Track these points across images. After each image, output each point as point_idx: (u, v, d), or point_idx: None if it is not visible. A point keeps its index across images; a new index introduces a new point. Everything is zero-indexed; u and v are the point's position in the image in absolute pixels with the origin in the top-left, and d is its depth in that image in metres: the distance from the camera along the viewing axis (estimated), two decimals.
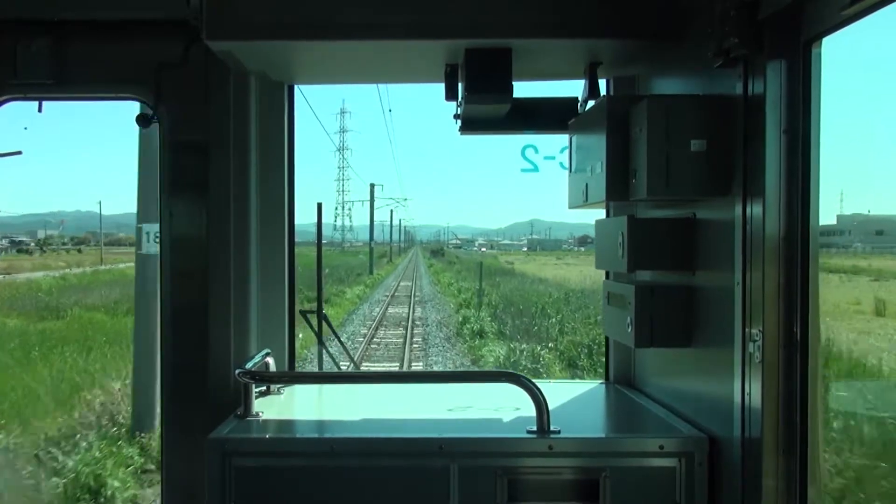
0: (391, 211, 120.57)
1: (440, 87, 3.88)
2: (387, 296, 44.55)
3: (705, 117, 3.01)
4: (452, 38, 3.52)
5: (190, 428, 3.70)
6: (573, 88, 4.05)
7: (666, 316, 3.32)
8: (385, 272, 75.85)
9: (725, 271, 2.92)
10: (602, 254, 3.76)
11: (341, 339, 5.52)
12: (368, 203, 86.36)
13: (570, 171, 3.96)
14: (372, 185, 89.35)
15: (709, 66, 2.87)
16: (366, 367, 19.54)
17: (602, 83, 4.05)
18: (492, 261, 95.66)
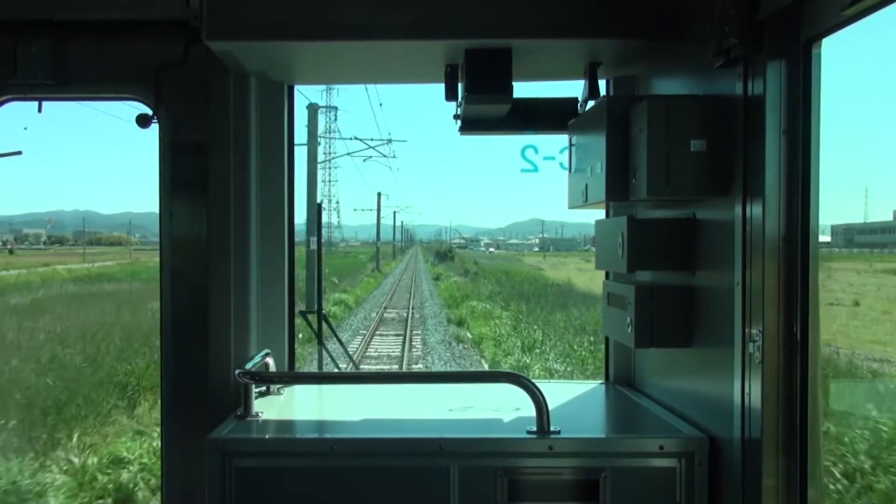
0: (378, 194, 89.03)
1: (437, 87, 3.88)
2: None
3: (705, 117, 3.00)
4: (452, 39, 3.51)
5: (190, 428, 3.70)
6: (573, 88, 4.05)
7: (666, 316, 3.32)
8: (356, 296, 42.23)
9: (725, 271, 2.92)
10: (602, 254, 3.75)
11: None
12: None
13: (570, 171, 3.95)
14: (312, 107, 31.11)
15: (709, 66, 2.86)
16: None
17: (602, 83, 4.05)
18: (520, 268, 73.49)
